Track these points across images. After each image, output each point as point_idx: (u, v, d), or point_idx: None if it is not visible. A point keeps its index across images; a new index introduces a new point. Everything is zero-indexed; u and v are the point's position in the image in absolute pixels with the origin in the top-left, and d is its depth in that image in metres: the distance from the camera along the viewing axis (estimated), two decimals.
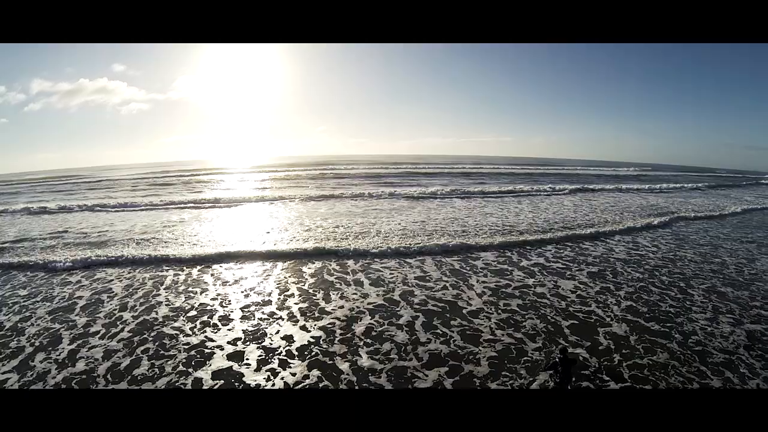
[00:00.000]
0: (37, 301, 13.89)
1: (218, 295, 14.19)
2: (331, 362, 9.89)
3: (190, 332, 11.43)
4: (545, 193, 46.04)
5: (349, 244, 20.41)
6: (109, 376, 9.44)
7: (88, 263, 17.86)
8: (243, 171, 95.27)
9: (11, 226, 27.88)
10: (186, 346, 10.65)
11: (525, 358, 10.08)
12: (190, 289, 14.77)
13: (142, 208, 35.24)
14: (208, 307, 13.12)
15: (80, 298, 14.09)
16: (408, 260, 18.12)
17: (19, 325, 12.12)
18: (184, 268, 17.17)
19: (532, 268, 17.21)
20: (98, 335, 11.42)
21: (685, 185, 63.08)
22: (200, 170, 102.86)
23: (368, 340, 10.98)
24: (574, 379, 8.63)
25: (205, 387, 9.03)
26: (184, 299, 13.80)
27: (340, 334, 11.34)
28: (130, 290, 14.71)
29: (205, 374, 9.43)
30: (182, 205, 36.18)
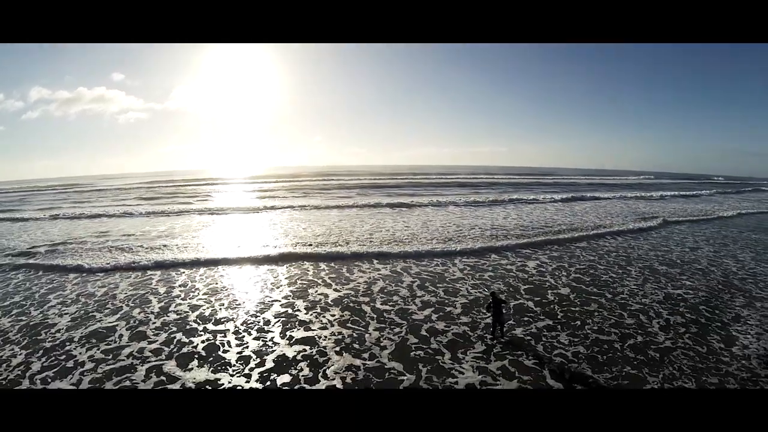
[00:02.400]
0: (115, 278, 18.04)
1: (267, 270, 18.57)
2: (358, 307, 14.17)
3: (253, 292, 15.75)
4: (546, 201, 49.88)
5: (363, 240, 24.99)
6: (198, 320, 13.50)
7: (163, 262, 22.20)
8: (246, 181, 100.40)
9: (53, 227, 32.37)
10: (251, 301, 14.91)
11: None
12: (243, 269, 19.12)
13: (174, 213, 39.72)
14: (261, 278, 17.50)
15: (154, 274, 18.32)
16: (408, 249, 22.44)
17: (109, 293, 16.02)
18: (229, 261, 21.53)
19: (505, 252, 21.74)
20: (179, 297, 15.57)
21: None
22: (204, 180, 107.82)
23: (381, 294, 15.36)
24: (507, 310, 12.50)
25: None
26: (241, 274, 18.14)
27: (363, 291, 15.73)
28: (194, 268, 19.03)
29: (269, 315, 13.63)
30: (198, 213, 40.54)
